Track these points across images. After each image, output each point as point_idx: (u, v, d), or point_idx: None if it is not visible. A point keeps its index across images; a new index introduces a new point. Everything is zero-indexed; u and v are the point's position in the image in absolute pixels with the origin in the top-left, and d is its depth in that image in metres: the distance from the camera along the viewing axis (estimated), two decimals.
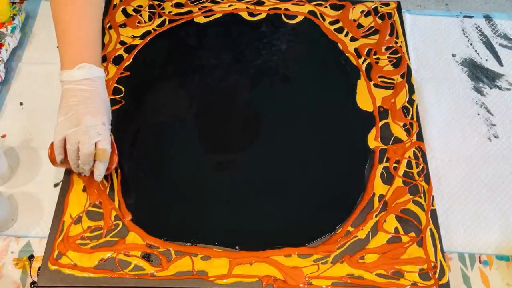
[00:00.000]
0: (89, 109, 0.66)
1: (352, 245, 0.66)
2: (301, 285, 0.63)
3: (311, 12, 0.90)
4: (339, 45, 0.86)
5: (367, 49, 0.86)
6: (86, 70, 0.67)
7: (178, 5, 0.91)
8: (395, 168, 0.73)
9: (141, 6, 0.91)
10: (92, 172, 0.68)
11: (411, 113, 0.78)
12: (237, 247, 0.66)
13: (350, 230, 0.68)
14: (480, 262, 0.68)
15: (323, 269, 0.65)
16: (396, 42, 0.86)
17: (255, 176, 0.73)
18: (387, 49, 0.86)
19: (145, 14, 0.90)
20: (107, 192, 0.70)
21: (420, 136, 0.76)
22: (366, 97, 0.80)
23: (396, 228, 0.68)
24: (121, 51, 0.85)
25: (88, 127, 0.65)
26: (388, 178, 0.72)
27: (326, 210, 0.70)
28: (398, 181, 0.72)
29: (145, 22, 0.89)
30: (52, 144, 0.67)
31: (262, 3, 0.92)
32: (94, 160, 0.66)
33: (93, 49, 0.71)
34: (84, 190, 0.70)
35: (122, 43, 0.86)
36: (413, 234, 0.67)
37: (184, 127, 0.77)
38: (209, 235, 0.67)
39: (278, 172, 0.73)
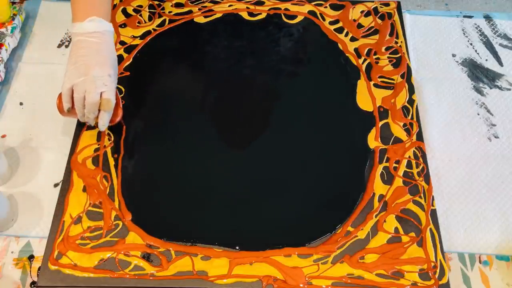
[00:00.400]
0: (97, 60, 0.69)
1: (352, 245, 0.66)
2: (301, 285, 0.63)
3: (311, 12, 0.90)
4: (339, 45, 0.86)
5: (367, 49, 0.86)
6: (96, 23, 0.70)
7: (178, 5, 0.91)
8: (395, 168, 0.73)
9: (141, 6, 0.91)
10: (97, 123, 0.72)
11: (411, 113, 0.78)
12: (237, 247, 0.66)
13: (350, 230, 0.68)
14: (480, 262, 0.68)
15: (323, 269, 0.65)
16: (396, 42, 0.86)
17: (255, 176, 0.73)
18: (387, 49, 0.86)
19: (145, 14, 0.90)
20: (107, 192, 0.70)
21: (420, 136, 0.76)
22: (366, 97, 0.80)
23: (396, 228, 0.68)
24: (121, 51, 0.85)
25: (95, 77, 0.68)
26: (388, 178, 0.72)
27: (326, 210, 0.70)
28: (398, 181, 0.72)
29: (145, 22, 0.89)
30: (60, 94, 0.71)
31: (262, 3, 0.92)
32: (99, 111, 0.70)
33: (103, 6, 0.73)
34: (84, 190, 0.70)
35: (122, 43, 0.86)
36: (413, 234, 0.67)
37: (183, 128, 0.77)
38: (209, 235, 0.67)
39: (278, 172, 0.73)
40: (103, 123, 0.71)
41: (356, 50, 0.86)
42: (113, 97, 0.70)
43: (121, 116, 0.74)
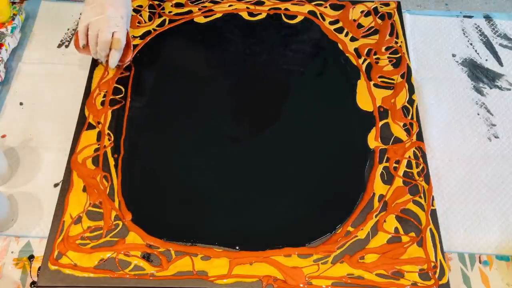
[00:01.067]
0: (111, 2, 0.76)
1: (352, 245, 0.66)
2: (301, 285, 0.63)
3: (311, 12, 0.90)
4: (339, 45, 0.86)
5: (367, 49, 0.86)
6: None
7: (178, 5, 0.91)
8: (395, 168, 0.73)
9: (141, 6, 0.91)
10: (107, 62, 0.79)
11: (411, 113, 0.78)
12: (237, 247, 0.66)
13: (350, 230, 0.68)
14: (480, 262, 0.68)
15: (323, 269, 0.65)
16: (396, 42, 0.86)
17: (254, 176, 0.73)
18: (387, 49, 0.86)
19: (145, 14, 0.90)
20: (107, 192, 0.70)
21: (420, 136, 0.76)
22: (366, 97, 0.80)
23: (396, 228, 0.68)
24: None
25: (109, 17, 0.75)
26: (388, 178, 0.72)
27: (326, 210, 0.70)
28: (398, 181, 0.72)
29: (145, 22, 0.89)
30: (77, 32, 0.78)
31: (262, 3, 0.92)
32: (110, 49, 0.76)
33: None
34: (84, 190, 0.70)
35: None
36: (413, 234, 0.67)
37: (183, 128, 0.77)
38: (209, 235, 0.67)
39: (278, 172, 0.73)
40: (113, 61, 0.77)
41: (356, 50, 0.86)
42: (123, 37, 0.76)
43: (130, 58, 0.80)
